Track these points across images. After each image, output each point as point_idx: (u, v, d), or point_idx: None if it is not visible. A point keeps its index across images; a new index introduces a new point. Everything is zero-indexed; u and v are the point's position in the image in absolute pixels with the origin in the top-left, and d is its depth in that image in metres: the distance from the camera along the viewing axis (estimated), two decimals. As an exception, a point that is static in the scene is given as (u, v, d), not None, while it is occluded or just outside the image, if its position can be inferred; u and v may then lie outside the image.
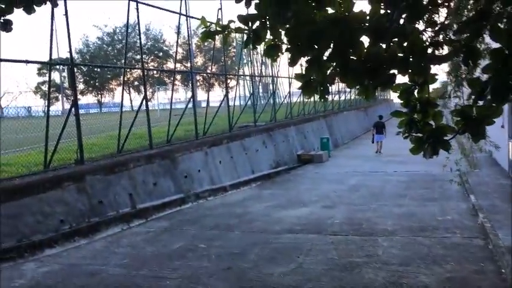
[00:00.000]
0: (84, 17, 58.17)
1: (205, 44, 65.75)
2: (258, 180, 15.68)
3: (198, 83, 53.55)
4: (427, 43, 5.31)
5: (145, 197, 10.86)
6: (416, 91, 5.18)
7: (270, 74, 22.13)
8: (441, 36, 6.05)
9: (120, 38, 53.74)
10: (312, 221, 9.42)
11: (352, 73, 4.99)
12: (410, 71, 4.91)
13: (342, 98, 34.26)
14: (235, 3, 4.15)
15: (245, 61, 25.41)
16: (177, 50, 15.78)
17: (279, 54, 5.06)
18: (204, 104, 19.79)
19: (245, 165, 15.91)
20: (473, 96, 4.83)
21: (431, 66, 5.26)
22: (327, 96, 5.28)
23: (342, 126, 29.68)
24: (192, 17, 14.52)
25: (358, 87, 5.14)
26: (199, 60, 60.48)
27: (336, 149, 24.94)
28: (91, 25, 70.31)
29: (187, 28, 14.97)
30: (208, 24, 4.60)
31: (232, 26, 4.43)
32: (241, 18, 4.48)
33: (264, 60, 23.98)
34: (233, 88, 23.69)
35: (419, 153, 5.12)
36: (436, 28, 5.70)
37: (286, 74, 22.55)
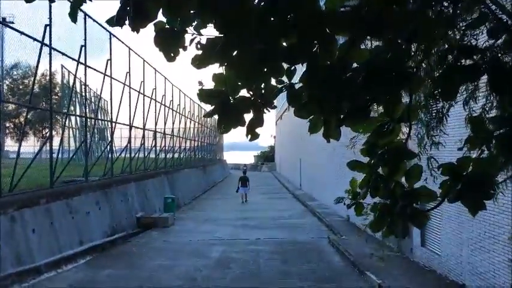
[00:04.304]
0: None
1: (20, 87, 56.86)
2: (88, 254, 11.56)
3: (8, 131, 44.70)
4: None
5: None
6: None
7: (108, 119, 18.26)
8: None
9: None
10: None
11: (318, 87, 2.55)
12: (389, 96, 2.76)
13: (182, 155, 31.66)
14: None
15: (73, 105, 20.96)
16: None
17: (182, 47, 2.60)
18: (12, 156, 14.76)
19: (71, 234, 11.61)
20: (466, 146, 2.84)
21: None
22: (258, 132, 2.82)
23: (184, 185, 26.81)
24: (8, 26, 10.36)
25: (311, 117, 2.71)
26: (9, 106, 51.13)
27: (179, 210, 21.76)
28: None
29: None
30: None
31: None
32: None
33: (99, 105, 20.00)
34: (55, 138, 18.63)
35: (381, 230, 2.90)
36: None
37: (126, 121, 18.90)
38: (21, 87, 55.55)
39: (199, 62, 2.67)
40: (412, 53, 3.34)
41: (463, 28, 3.42)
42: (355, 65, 2.66)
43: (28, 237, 9.80)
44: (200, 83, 2.85)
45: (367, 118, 2.80)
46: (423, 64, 3.77)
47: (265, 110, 2.86)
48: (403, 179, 2.87)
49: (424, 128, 4.58)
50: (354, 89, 2.61)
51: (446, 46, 3.36)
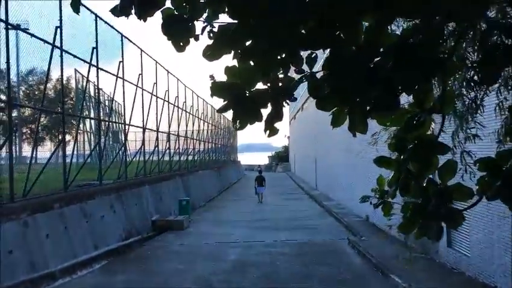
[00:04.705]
0: None
1: (36, 93, 57.40)
2: (103, 259, 11.37)
3: (24, 136, 45.09)
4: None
5: None
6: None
7: (122, 121, 18.10)
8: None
9: None
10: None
11: (342, 74, 2.27)
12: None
13: (196, 157, 31.48)
14: None
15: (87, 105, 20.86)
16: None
17: (192, 36, 2.39)
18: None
19: (85, 239, 11.44)
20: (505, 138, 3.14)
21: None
22: (277, 127, 2.55)
23: (198, 187, 26.64)
24: (22, 29, 10.24)
25: (334, 109, 2.38)
26: (26, 111, 51.48)
27: (194, 213, 21.56)
28: None
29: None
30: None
31: None
32: None
33: (112, 107, 19.89)
34: (70, 142, 18.43)
35: (412, 231, 2.60)
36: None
37: (139, 123, 18.74)
38: (37, 93, 56.03)
39: (211, 53, 2.42)
40: (445, 37, 3.02)
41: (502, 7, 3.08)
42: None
43: (42, 242, 9.63)
44: (212, 77, 2.58)
45: (397, 108, 2.50)
46: (457, 49, 3.43)
47: (284, 102, 2.60)
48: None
49: (457, 120, 4.21)
50: (382, 76, 2.32)
51: (485, 26, 3.03)
